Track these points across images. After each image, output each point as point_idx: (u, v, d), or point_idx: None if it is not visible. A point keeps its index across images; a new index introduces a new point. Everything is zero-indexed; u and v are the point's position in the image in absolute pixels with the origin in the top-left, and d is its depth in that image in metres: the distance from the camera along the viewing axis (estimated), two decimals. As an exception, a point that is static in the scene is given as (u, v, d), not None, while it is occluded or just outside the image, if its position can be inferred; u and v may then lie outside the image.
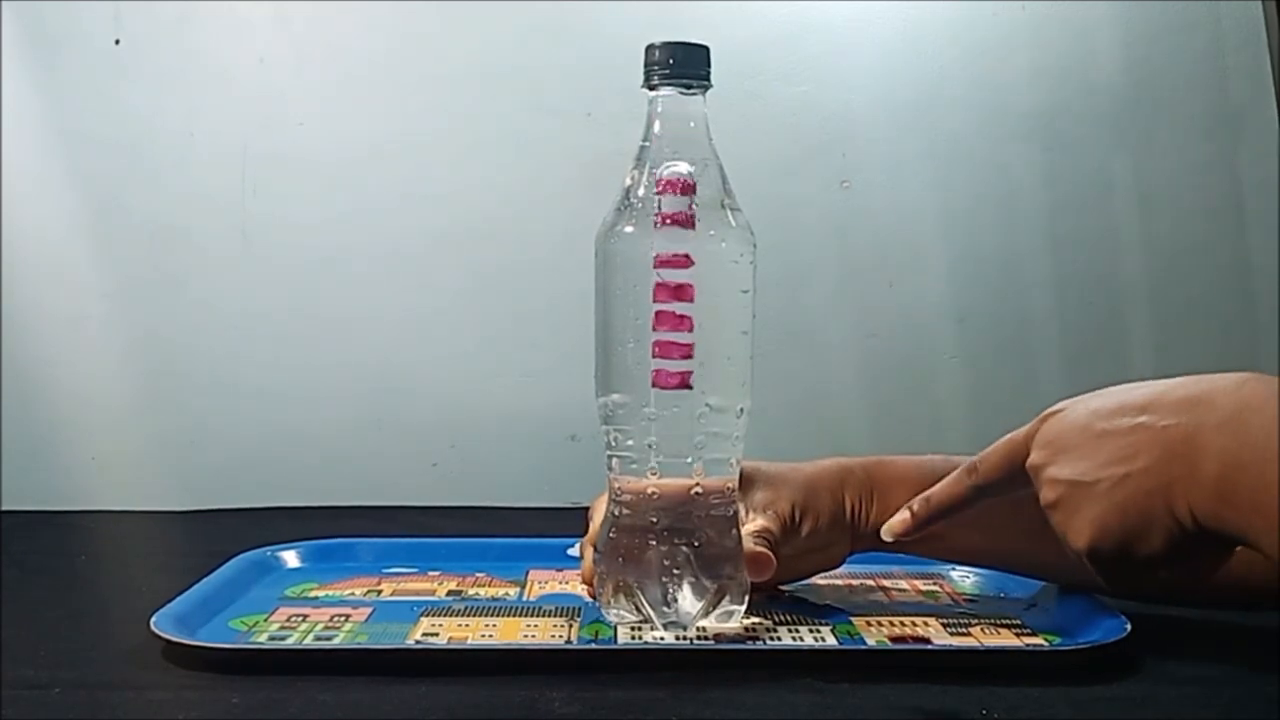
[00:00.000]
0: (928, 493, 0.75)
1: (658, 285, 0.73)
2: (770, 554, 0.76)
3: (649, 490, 0.74)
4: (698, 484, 0.74)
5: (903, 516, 0.75)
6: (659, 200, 0.73)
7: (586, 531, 0.81)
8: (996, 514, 0.77)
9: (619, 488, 0.75)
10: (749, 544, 0.76)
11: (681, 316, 0.73)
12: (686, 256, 0.73)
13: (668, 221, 0.73)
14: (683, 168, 0.73)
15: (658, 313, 0.73)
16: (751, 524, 0.78)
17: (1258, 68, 1.27)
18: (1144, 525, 0.64)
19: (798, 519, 0.80)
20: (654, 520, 0.74)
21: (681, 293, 0.73)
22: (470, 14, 1.29)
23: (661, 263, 0.72)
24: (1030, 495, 0.71)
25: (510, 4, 1.28)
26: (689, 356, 0.73)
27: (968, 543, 0.82)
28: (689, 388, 0.73)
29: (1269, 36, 1.23)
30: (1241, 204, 1.31)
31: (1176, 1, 1.30)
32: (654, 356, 0.73)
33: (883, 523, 0.81)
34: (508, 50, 1.30)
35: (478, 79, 1.30)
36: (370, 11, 1.29)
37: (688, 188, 0.73)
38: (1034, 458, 0.69)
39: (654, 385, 0.73)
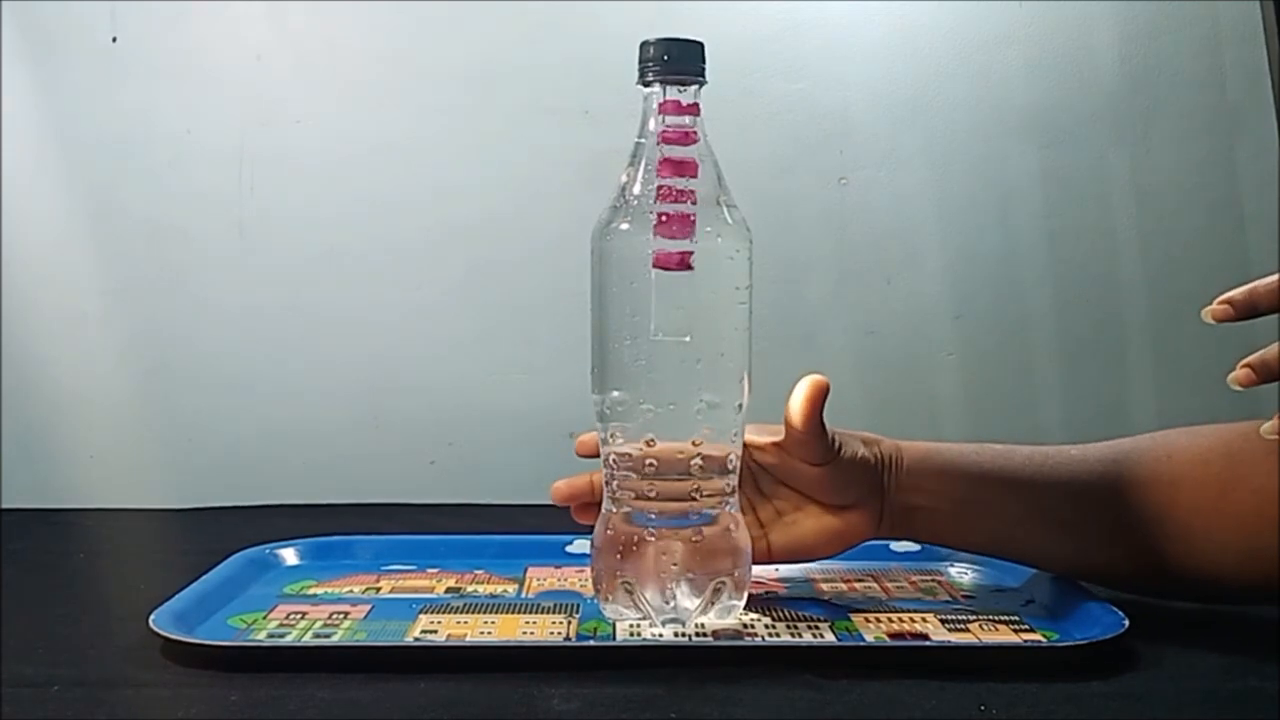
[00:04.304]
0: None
1: (662, 160, 0.73)
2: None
3: (646, 487, 0.74)
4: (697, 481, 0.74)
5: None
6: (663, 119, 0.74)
7: (587, 487, 0.82)
8: (1011, 505, 0.80)
9: (616, 484, 0.75)
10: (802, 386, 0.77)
11: (683, 191, 0.73)
12: (688, 134, 0.73)
13: (670, 108, 0.73)
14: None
15: (660, 187, 0.73)
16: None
17: (1255, 64, 1.27)
18: None
19: (837, 443, 0.80)
20: (652, 516, 0.74)
21: (684, 169, 0.73)
22: (467, 12, 1.29)
23: (666, 140, 0.73)
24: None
25: (508, 2, 1.28)
26: (689, 235, 0.73)
27: (979, 533, 0.83)
28: (689, 268, 0.72)
29: (1266, 33, 1.23)
30: (1239, 200, 1.31)
31: (1174, -2, 1.30)
32: (655, 235, 0.72)
33: (904, 493, 0.81)
34: (505, 48, 1.30)
35: (475, 77, 1.30)
36: (367, 9, 1.29)
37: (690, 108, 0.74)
38: None
39: (654, 265, 0.72)
